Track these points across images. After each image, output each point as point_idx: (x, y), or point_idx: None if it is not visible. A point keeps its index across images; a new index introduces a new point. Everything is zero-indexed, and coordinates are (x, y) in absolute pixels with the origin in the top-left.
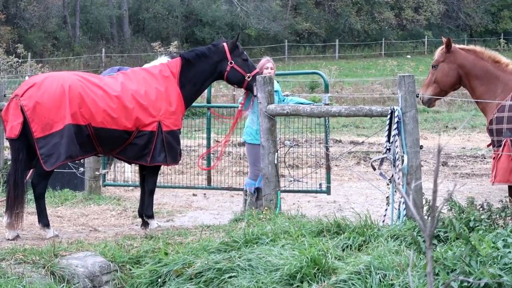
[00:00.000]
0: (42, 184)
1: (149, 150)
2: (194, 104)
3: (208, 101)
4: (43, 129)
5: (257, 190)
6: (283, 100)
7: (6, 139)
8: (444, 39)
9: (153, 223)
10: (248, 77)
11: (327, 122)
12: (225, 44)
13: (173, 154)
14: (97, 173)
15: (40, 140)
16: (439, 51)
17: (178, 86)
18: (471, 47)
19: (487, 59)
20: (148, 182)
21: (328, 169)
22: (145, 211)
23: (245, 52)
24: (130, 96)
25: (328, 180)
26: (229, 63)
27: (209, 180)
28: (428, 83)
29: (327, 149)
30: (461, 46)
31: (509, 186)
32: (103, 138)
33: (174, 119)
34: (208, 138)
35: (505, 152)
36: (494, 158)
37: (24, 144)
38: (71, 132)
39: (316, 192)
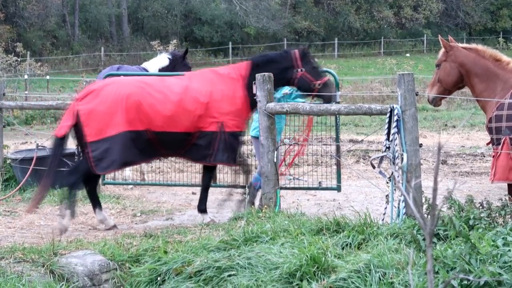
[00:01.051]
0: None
1: (212, 150)
2: None
3: None
4: (97, 133)
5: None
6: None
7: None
8: (440, 39)
9: (206, 217)
10: (319, 84)
11: (338, 120)
12: (296, 51)
13: (233, 155)
14: None
15: (93, 144)
16: (442, 50)
17: (245, 89)
18: (473, 45)
19: (488, 57)
20: (204, 178)
21: (339, 166)
22: (199, 205)
23: (315, 60)
24: (192, 98)
25: (339, 178)
26: (299, 70)
27: (215, 178)
28: (433, 83)
29: (338, 147)
30: (463, 45)
31: (508, 184)
32: (164, 141)
33: (237, 121)
34: None
35: (504, 150)
36: (493, 157)
37: (63, 144)
38: (126, 138)
39: (327, 189)
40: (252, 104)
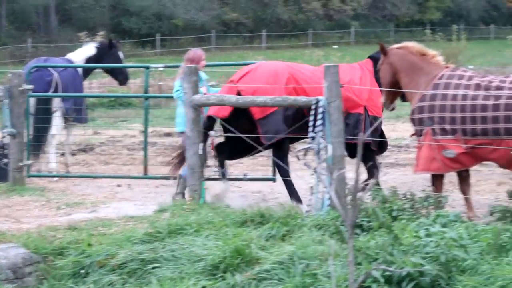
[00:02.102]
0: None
1: (359, 130)
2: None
3: (146, 91)
4: (262, 111)
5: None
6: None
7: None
8: (379, 44)
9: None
10: None
11: None
12: None
13: (375, 137)
14: (20, 164)
15: (261, 121)
16: (381, 55)
17: (375, 81)
18: (404, 44)
19: (415, 52)
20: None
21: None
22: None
23: None
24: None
25: (274, 169)
26: None
27: (145, 169)
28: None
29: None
30: (398, 45)
31: (432, 175)
32: None
33: (377, 107)
34: (146, 128)
35: (426, 142)
36: (417, 148)
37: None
38: (285, 112)
39: (264, 180)
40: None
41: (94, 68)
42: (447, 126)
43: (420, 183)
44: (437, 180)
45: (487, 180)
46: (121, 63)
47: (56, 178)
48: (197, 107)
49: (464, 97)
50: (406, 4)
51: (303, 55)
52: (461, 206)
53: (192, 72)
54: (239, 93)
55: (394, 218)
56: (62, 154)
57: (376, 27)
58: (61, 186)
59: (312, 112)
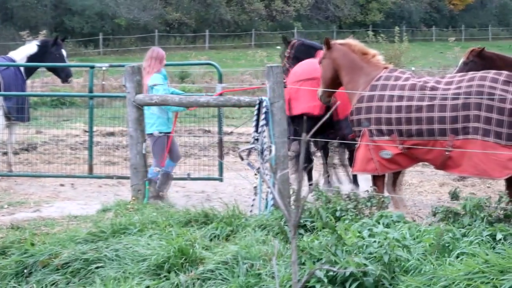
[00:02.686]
0: None
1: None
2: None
3: (90, 91)
4: (343, 112)
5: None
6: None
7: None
8: (325, 39)
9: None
10: None
11: (221, 113)
12: None
13: None
14: None
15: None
16: (324, 49)
17: None
18: (347, 40)
19: (357, 51)
20: None
21: (221, 157)
22: None
23: None
24: None
25: (221, 169)
26: None
27: (90, 169)
28: (321, 81)
29: (220, 139)
30: (340, 41)
31: (372, 176)
32: None
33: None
34: (91, 128)
35: (362, 142)
36: (356, 149)
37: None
38: None
39: (209, 179)
40: None
41: (37, 66)
42: (383, 127)
43: (363, 183)
44: (378, 181)
45: (430, 181)
46: (64, 61)
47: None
48: (140, 107)
49: (400, 98)
50: (348, 6)
51: (246, 55)
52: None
53: (135, 72)
54: None
55: (338, 219)
56: (5, 153)
57: (319, 28)
58: (4, 185)
59: (256, 112)
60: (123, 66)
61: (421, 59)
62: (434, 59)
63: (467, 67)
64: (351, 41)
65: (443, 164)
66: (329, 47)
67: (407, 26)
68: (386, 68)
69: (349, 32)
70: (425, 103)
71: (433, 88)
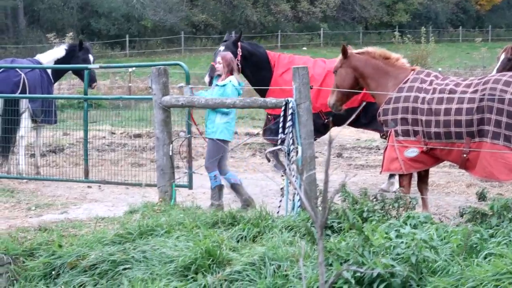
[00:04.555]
0: None
1: None
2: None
3: (85, 93)
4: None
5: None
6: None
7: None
8: (343, 46)
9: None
10: None
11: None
12: None
13: None
14: None
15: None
16: (339, 57)
17: None
18: (365, 49)
19: (378, 57)
20: None
21: (190, 161)
22: None
23: None
24: None
25: (190, 174)
26: None
27: (86, 173)
28: (332, 89)
29: (189, 140)
30: (357, 50)
31: (399, 176)
32: None
33: None
34: (86, 131)
35: (389, 143)
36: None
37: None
38: None
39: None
40: None
41: (64, 69)
42: (410, 128)
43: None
44: (404, 181)
45: (457, 182)
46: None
47: (26, 180)
48: (167, 109)
49: (423, 100)
50: (375, 7)
51: None
52: (431, 207)
53: (161, 74)
54: None
55: (365, 219)
56: (32, 155)
57: (345, 29)
58: (31, 187)
59: (282, 113)
60: (114, 67)
61: (448, 59)
62: (461, 59)
63: (510, 63)
64: (369, 48)
65: (463, 163)
66: (345, 55)
67: (434, 27)
68: (413, 70)
69: (375, 33)
70: (443, 106)
71: (451, 91)
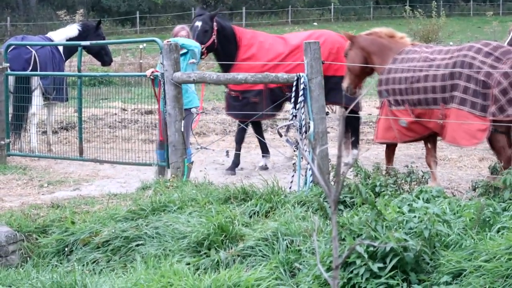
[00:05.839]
0: None
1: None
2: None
3: (79, 70)
4: None
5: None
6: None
7: None
8: (344, 33)
9: None
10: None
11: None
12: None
13: None
14: (2, 142)
15: None
16: (348, 42)
17: None
18: (372, 30)
19: (384, 36)
20: None
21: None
22: None
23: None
24: None
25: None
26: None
27: (81, 151)
28: (345, 73)
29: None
30: (366, 31)
31: (386, 145)
32: None
33: None
34: (80, 109)
35: (383, 113)
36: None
37: None
38: None
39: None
40: None
41: (75, 47)
42: (398, 98)
43: (402, 159)
44: (390, 152)
45: (470, 156)
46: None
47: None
48: (178, 84)
49: (409, 69)
50: None
51: (283, 32)
52: (444, 182)
53: (172, 50)
54: None
55: (377, 194)
56: (44, 132)
57: (356, 4)
58: (43, 164)
59: (294, 89)
60: (102, 44)
61: (459, 34)
62: (472, 33)
63: None
64: (376, 29)
65: (441, 132)
66: (352, 40)
67: (444, 1)
68: (412, 44)
69: (386, 7)
70: (422, 74)
71: (432, 59)
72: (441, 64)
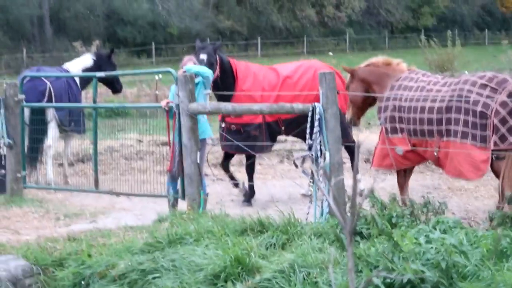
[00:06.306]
0: None
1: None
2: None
3: (94, 101)
4: None
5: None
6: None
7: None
8: (343, 67)
9: None
10: None
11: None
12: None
13: None
14: (18, 175)
15: None
16: (349, 76)
17: None
18: (369, 60)
19: (381, 65)
20: None
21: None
22: None
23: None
24: None
25: (181, 185)
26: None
27: (96, 183)
28: (348, 105)
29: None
30: (363, 63)
31: (397, 172)
32: None
33: None
34: (95, 140)
35: (380, 140)
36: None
37: None
38: None
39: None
40: None
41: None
42: (397, 125)
43: (418, 189)
44: (399, 177)
45: (486, 186)
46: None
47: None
48: (194, 116)
49: (406, 98)
50: (400, 11)
51: None
52: (460, 212)
53: (188, 81)
54: None
55: (394, 225)
56: (61, 164)
57: (371, 33)
58: (60, 196)
59: (309, 119)
60: (116, 75)
61: (474, 63)
62: (488, 62)
63: None
64: (373, 59)
65: (436, 162)
66: (352, 73)
67: (460, 30)
68: (409, 70)
69: (401, 37)
70: (419, 104)
71: (428, 90)
72: (437, 96)
